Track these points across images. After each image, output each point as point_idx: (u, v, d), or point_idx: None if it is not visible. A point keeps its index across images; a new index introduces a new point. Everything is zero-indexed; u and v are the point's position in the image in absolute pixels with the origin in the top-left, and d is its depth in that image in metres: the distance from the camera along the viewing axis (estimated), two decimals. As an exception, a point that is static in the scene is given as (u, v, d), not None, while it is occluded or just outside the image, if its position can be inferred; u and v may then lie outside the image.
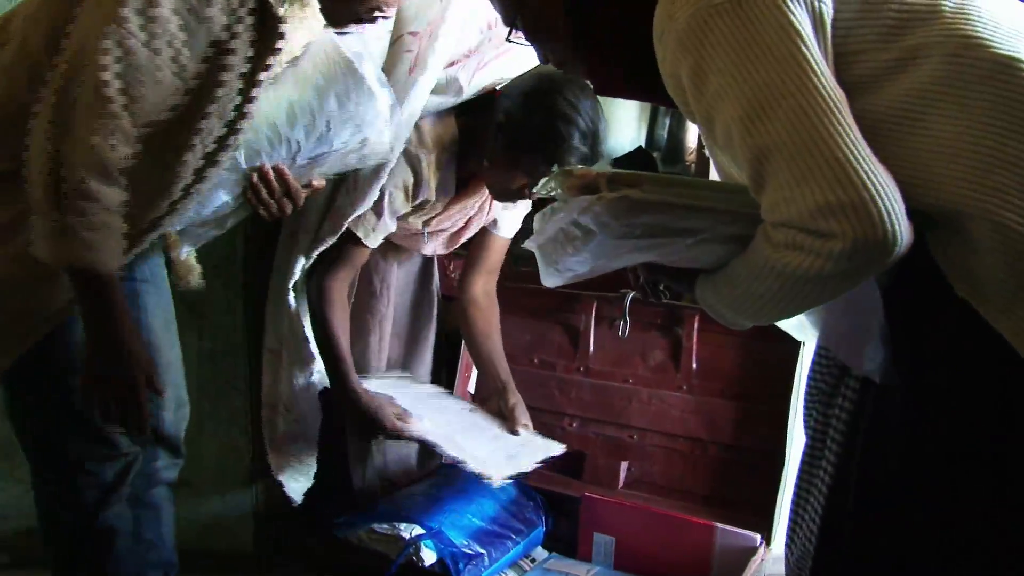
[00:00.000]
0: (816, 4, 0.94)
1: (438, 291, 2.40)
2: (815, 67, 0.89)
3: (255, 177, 1.53)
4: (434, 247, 2.17)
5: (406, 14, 1.88)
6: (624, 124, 3.71)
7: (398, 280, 2.26)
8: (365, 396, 1.94)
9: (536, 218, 1.15)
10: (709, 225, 1.01)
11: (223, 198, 1.54)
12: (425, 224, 2.04)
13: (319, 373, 2.00)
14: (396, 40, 1.87)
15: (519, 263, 2.37)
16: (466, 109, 1.97)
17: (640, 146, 3.54)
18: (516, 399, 2.16)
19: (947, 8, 0.97)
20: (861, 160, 0.85)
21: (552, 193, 1.11)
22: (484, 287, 2.24)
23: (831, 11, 0.95)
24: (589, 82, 1.26)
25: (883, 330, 1.00)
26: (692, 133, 3.47)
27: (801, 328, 1.34)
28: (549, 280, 1.17)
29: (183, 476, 2.03)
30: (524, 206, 2.18)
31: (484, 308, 2.23)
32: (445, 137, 1.94)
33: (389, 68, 1.85)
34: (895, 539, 1.01)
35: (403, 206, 1.94)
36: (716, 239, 1.02)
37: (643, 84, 1.18)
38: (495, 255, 2.24)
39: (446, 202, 2.03)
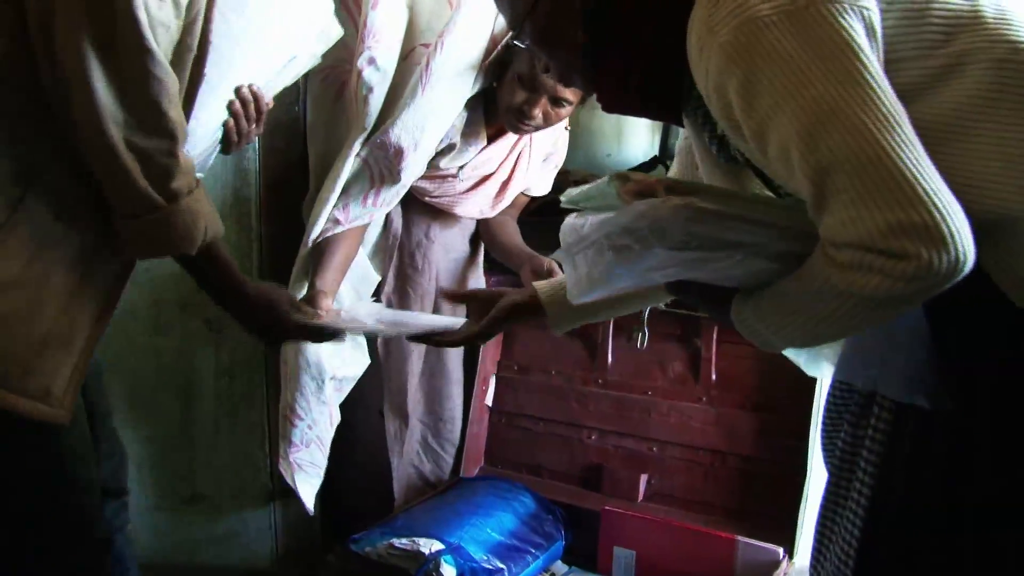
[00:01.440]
0: (866, 13, 0.91)
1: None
2: (875, 81, 0.87)
3: (236, 104, 1.45)
4: (479, 206, 2.18)
5: (418, 25, 1.88)
6: (637, 134, 3.70)
7: (443, 262, 2.26)
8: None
9: (563, 229, 1.09)
10: (764, 240, 0.97)
11: (213, 139, 1.47)
12: (460, 169, 2.06)
13: (334, 380, 2.00)
14: (409, 53, 1.87)
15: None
16: None
17: (655, 156, 3.53)
18: (547, 260, 2.13)
19: (989, 15, 0.95)
20: (929, 179, 0.83)
21: (586, 204, 1.07)
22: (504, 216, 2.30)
23: (880, 19, 0.93)
24: (596, 99, 1.22)
25: (931, 352, 0.98)
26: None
27: (813, 361, 1.32)
28: (576, 295, 1.12)
29: (200, 491, 2.03)
30: (556, 163, 2.27)
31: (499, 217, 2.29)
32: None
33: (402, 82, 1.85)
34: (947, 567, 0.99)
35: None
36: (767, 255, 0.99)
37: (654, 102, 1.16)
38: (518, 202, 2.31)
39: (478, 149, 2.06)
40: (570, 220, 1.08)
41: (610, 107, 1.21)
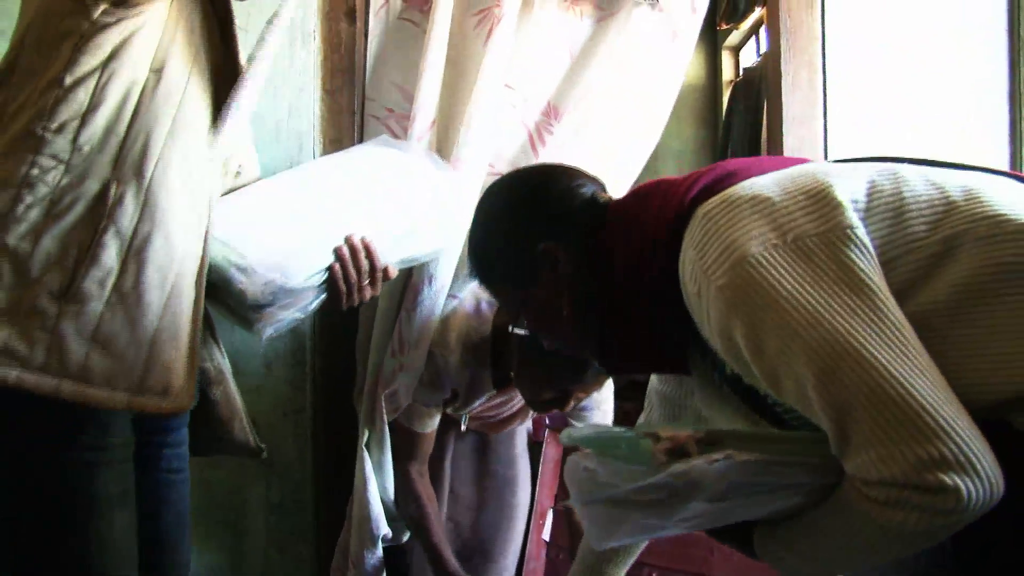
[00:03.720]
0: (851, 232, 0.91)
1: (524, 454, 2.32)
2: (876, 303, 0.87)
3: (344, 249, 1.46)
4: (479, 426, 2.11)
5: None
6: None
7: (464, 444, 2.19)
8: None
9: (572, 473, 1.04)
10: (802, 480, 0.94)
11: (312, 274, 1.45)
12: (467, 414, 1.99)
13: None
14: None
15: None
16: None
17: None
18: None
19: (958, 198, 0.95)
20: (944, 407, 0.82)
21: (593, 449, 1.02)
22: None
23: (865, 231, 0.93)
24: (598, 364, 1.23)
25: (947, 558, 0.93)
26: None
27: None
28: (600, 542, 1.07)
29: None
30: None
31: None
32: (474, 337, 1.85)
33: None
34: None
35: (429, 397, 1.89)
36: (798, 491, 0.95)
37: (663, 364, 1.19)
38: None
39: (484, 399, 1.94)
40: (580, 462, 1.03)
41: (618, 373, 1.22)
